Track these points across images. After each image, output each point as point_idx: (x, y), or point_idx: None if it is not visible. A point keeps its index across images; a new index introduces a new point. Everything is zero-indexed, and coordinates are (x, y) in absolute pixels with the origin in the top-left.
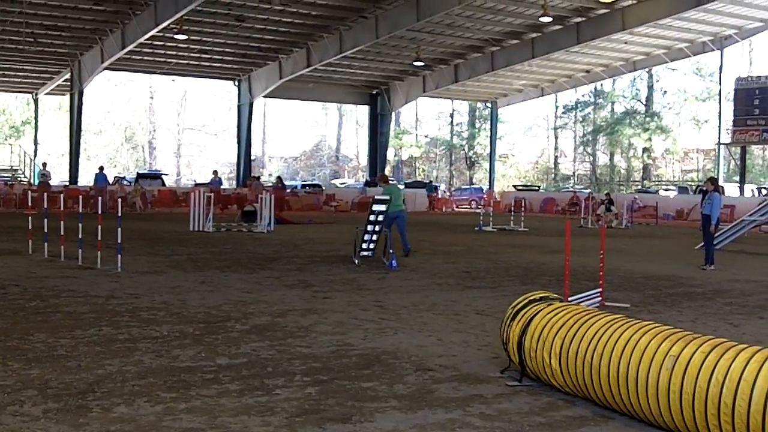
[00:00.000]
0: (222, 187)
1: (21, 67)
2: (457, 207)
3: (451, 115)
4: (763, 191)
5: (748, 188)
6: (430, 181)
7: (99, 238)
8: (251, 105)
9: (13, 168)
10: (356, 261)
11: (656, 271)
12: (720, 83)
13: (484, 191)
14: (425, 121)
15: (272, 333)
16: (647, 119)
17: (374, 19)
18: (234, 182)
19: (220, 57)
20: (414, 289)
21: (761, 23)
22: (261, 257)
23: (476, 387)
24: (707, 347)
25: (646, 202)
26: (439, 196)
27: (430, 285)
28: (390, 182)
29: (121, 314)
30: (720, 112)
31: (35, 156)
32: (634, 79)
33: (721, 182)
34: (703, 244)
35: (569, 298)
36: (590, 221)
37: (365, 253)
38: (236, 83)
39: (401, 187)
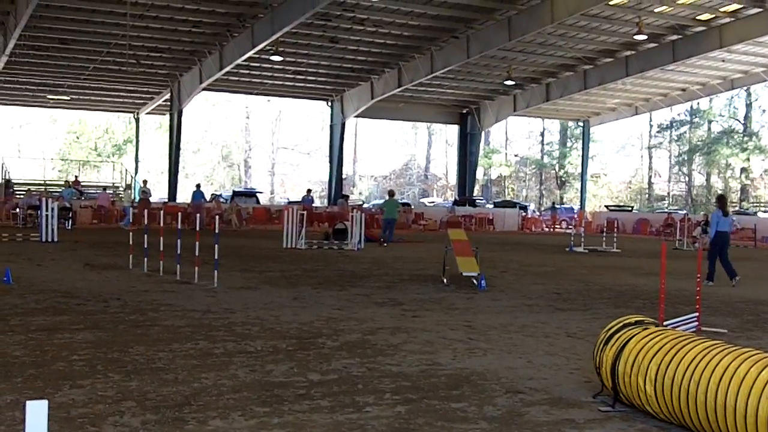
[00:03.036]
0: (314, 205)
1: (124, 87)
2: (546, 227)
3: (542, 134)
4: None
5: None
6: (554, 203)
7: (197, 254)
8: (343, 125)
9: (115, 185)
10: (445, 280)
11: (755, 295)
12: None
13: (574, 211)
14: (515, 140)
15: (362, 350)
16: (745, 138)
17: (465, 38)
18: (325, 200)
19: (313, 78)
20: (503, 310)
21: None
22: (351, 275)
23: (568, 411)
24: None
25: (744, 224)
26: (529, 216)
27: (520, 306)
28: (393, 197)
29: (216, 329)
30: None
31: (136, 173)
32: (732, 97)
33: None
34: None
35: (665, 323)
36: (686, 243)
37: None
38: (329, 103)
39: (401, 201)
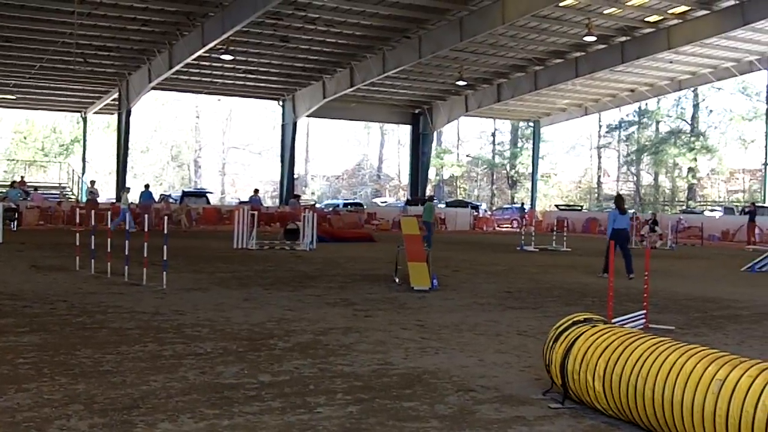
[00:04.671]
0: (264, 205)
1: (71, 86)
2: (498, 226)
3: (493, 134)
4: None
5: None
6: (522, 203)
7: (145, 255)
8: (295, 124)
9: (62, 185)
10: (397, 280)
11: (701, 292)
12: (767, 103)
13: (525, 210)
14: (467, 140)
15: (314, 351)
16: (692, 139)
17: (417, 39)
18: (277, 200)
19: (264, 77)
20: (455, 309)
21: None
22: (303, 275)
23: (518, 408)
24: (754, 371)
25: (691, 223)
26: (481, 215)
27: (472, 305)
28: (430, 201)
29: (166, 331)
30: (767, 132)
31: (83, 174)
32: (679, 98)
33: (767, 203)
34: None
35: (613, 320)
36: (634, 242)
37: None
38: (280, 103)
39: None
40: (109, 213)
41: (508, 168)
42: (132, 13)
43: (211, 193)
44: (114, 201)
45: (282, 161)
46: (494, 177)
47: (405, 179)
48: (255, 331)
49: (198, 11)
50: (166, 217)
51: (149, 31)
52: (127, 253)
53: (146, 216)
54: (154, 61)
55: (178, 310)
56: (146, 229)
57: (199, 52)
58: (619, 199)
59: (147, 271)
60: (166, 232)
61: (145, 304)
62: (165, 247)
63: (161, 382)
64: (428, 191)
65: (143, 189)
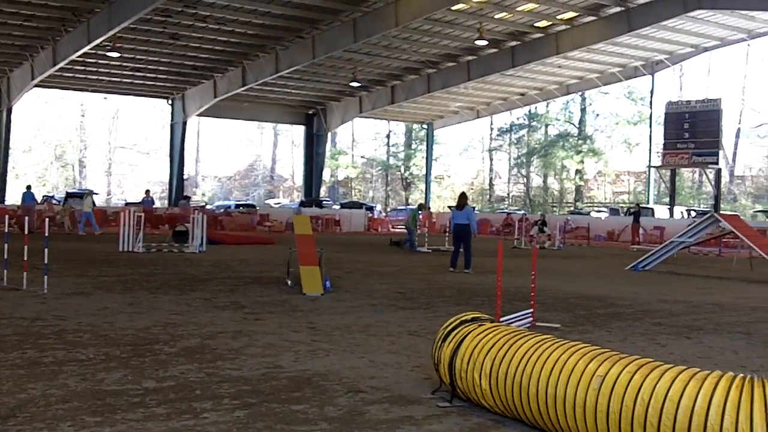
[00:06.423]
0: (154, 206)
1: None
2: (392, 227)
3: (388, 136)
4: (692, 213)
5: (678, 210)
6: (428, 205)
7: (25, 259)
8: (185, 124)
9: None
10: (289, 282)
11: (587, 291)
12: (651, 107)
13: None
14: (361, 141)
15: (201, 355)
16: (580, 142)
17: (311, 39)
18: (166, 202)
19: (153, 75)
20: (347, 311)
21: (692, 49)
22: (192, 278)
23: (407, 408)
24: (633, 367)
25: (578, 224)
26: (375, 217)
27: (364, 306)
28: (418, 209)
29: (46, 336)
30: (651, 136)
31: None
32: (568, 102)
33: (651, 204)
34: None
35: (501, 319)
36: (523, 242)
37: None
38: (169, 101)
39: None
40: None
41: (402, 170)
42: (13, 7)
43: (96, 194)
44: None
45: (171, 161)
46: (389, 178)
47: (299, 180)
48: (140, 336)
49: (83, 7)
50: (48, 219)
51: (32, 27)
52: (6, 256)
53: (27, 218)
54: (36, 58)
55: (60, 316)
56: (27, 232)
57: (85, 49)
58: (460, 197)
59: (27, 274)
60: (47, 234)
61: (24, 309)
62: (46, 249)
63: (40, 389)
64: (418, 200)
65: (25, 190)
